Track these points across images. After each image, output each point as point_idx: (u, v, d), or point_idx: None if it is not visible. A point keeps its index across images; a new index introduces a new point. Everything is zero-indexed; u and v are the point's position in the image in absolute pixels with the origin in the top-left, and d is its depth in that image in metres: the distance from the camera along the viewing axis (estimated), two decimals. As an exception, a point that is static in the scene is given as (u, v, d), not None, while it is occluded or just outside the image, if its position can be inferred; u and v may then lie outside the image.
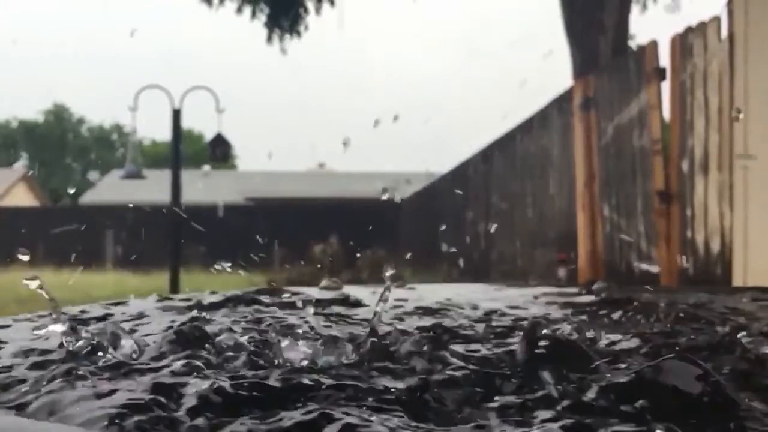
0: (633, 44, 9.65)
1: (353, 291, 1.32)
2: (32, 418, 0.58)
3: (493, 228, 9.83)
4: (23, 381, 0.68)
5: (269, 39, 12.67)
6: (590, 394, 0.60)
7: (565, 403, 0.59)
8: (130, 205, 20.31)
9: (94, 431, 0.54)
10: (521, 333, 0.79)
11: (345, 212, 18.76)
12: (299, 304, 1.16)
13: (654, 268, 5.36)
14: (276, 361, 0.74)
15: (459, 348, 0.81)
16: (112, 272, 15.56)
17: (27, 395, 0.63)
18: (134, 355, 0.77)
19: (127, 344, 0.78)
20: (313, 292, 1.32)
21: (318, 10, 12.72)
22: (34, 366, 0.74)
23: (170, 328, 0.86)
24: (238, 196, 25.30)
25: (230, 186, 26.29)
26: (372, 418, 0.55)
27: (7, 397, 0.64)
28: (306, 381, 0.64)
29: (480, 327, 0.97)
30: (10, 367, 0.74)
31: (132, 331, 0.90)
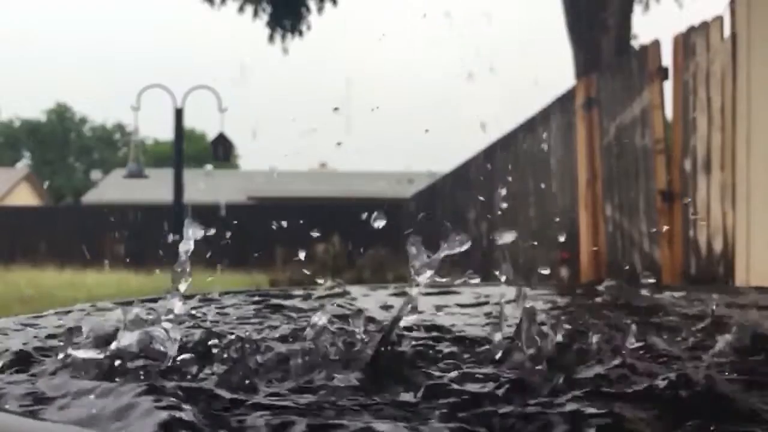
0: (635, 44, 9.65)
1: (354, 290, 1.33)
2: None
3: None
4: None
5: (271, 38, 12.68)
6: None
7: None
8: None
9: (92, 430, 0.54)
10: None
11: (347, 212, 18.75)
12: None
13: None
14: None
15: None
16: (115, 271, 15.57)
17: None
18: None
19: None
20: (316, 292, 1.32)
21: (320, 10, 12.72)
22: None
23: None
24: (240, 196, 25.31)
25: (232, 185, 26.31)
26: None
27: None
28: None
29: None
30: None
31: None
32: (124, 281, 13.10)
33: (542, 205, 8.49)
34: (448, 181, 14.40)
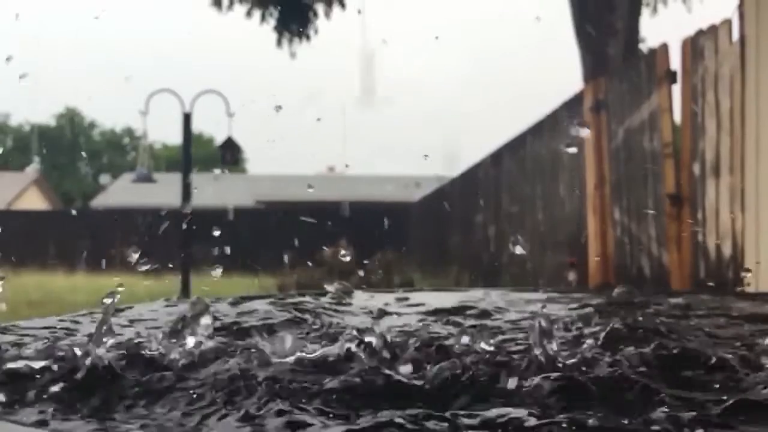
0: (644, 47, 9.64)
1: (360, 294, 1.33)
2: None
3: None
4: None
5: (279, 43, 12.71)
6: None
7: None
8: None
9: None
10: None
11: (355, 215, 18.76)
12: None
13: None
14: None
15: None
16: (123, 275, 15.59)
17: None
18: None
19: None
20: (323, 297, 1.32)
21: (327, 14, 12.75)
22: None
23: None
24: (248, 200, 25.36)
25: (241, 189, 26.35)
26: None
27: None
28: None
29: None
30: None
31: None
32: (131, 285, 13.12)
33: (550, 210, 8.46)
34: (455, 185, 14.39)
